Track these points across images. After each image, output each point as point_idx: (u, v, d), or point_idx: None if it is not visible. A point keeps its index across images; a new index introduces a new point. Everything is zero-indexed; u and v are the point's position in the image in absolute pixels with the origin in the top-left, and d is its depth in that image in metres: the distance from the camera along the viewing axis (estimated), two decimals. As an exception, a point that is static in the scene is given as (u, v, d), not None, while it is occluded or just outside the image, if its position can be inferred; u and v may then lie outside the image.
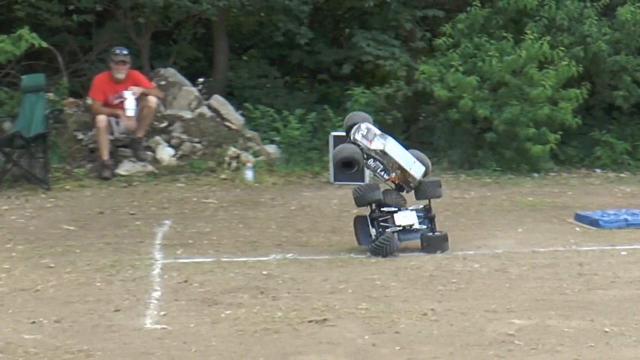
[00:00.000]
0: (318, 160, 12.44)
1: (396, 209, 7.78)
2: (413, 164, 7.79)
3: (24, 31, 11.89)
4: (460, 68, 12.74)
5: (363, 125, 7.80)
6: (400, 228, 7.76)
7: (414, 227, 7.83)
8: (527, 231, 8.69)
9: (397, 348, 5.15)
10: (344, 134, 11.94)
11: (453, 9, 14.51)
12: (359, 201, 7.78)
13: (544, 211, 9.78)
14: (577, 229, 8.85)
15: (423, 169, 7.85)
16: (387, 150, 7.71)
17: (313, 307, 5.91)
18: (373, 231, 7.68)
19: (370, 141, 7.69)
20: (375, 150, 7.72)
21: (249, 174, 11.58)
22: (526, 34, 12.81)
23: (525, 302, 6.16)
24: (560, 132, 12.61)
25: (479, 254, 7.66)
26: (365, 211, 7.81)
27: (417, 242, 7.79)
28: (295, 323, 5.56)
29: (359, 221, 7.85)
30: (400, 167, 7.78)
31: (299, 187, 11.32)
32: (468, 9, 13.41)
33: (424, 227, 7.90)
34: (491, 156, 12.75)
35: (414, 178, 7.80)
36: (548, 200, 10.43)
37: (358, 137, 7.70)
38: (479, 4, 13.30)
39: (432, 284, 6.66)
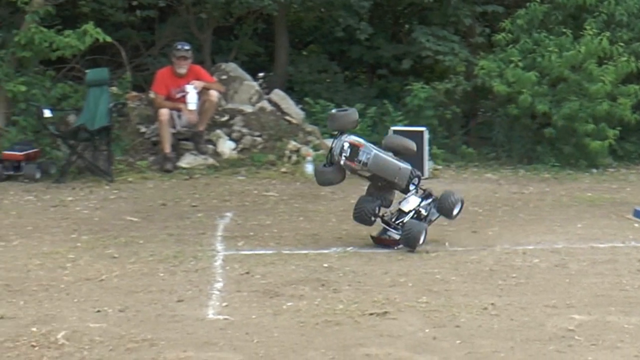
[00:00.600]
0: (378, 154, 12.46)
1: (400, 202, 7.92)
2: (398, 171, 7.76)
3: (89, 26, 12.06)
4: (520, 64, 12.70)
5: (346, 144, 7.66)
6: (414, 212, 7.83)
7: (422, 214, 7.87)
8: (586, 227, 8.65)
9: (458, 342, 5.17)
10: (403, 128, 12.13)
11: (512, 4, 14.48)
12: (365, 220, 7.83)
13: (603, 207, 9.73)
14: (636, 225, 8.79)
15: (408, 170, 7.83)
16: (371, 168, 7.68)
17: (374, 300, 5.95)
18: (395, 233, 7.78)
19: (353, 162, 7.63)
20: (358, 169, 7.72)
21: (309, 168, 11.64)
22: (585, 29, 12.73)
23: (585, 298, 6.15)
24: (619, 128, 12.52)
25: (539, 249, 7.64)
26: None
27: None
28: (356, 315, 5.60)
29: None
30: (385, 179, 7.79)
31: (358, 181, 11.10)
32: (527, 4, 13.36)
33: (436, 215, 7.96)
34: (550, 151, 12.71)
35: (400, 185, 7.82)
36: (606, 196, 10.38)
37: (342, 160, 7.62)
38: (538, 0, 13.25)
39: (492, 279, 6.67)
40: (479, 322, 5.56)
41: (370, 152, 7.65)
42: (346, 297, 6.01)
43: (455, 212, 7.97)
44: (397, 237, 7.71)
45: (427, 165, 11.70)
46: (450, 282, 6.51)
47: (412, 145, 8.01)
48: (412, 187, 7.90)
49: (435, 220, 7.96)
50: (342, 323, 5.45)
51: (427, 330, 5.37)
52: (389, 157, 7.76)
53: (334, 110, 8.35)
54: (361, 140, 7.71)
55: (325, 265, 6.94)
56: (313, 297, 6.03)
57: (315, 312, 5.66)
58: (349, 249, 7.55)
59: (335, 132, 8.00)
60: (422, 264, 7.05)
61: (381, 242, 7.80)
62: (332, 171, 7.76)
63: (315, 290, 6.21)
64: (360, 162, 7.60)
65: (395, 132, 11.57)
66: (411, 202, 7.91)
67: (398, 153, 7.87)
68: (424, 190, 8.01)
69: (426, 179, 11.38)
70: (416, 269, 6.89)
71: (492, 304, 5.95)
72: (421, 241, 7.60)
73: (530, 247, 7.72)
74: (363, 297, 6.02)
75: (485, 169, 12.40)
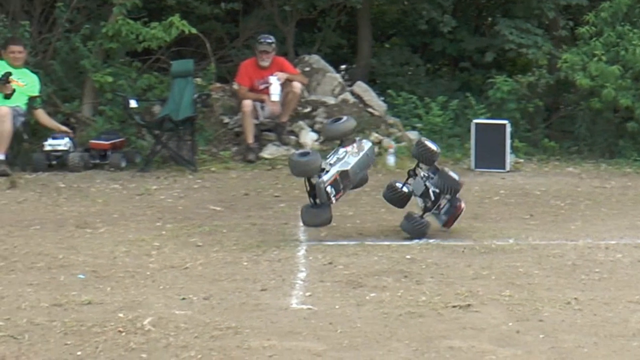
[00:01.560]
0: (459, 147, 12.45)
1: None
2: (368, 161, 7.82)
3: (175, 18, 12.21)
4: (603, 57, 12.56)
5: (328, 188, 7.46)
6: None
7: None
8: (669, 222, 8.56)
9: (541, 336, 5.15)
10: (485, 121, 12.09)
11: (596, -3, 14.34)
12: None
13: (686, 202, 9.62)
14: None
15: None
16: (354, 184, 7.81)
17: (457, 293, 5.95)
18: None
19: (341, 192, 7.57)
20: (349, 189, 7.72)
21: (390, 160, 11.66)
22: (670, 22, 12.59)
23: (669, 294, 6.09)
24: (703, 122, 12.37)
25: (621, 244, 7.56)
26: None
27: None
28: (439, 308, 5.61)
29: None
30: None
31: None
32: (611, -3, 13.23)
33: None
34: (632, 146, 12.57)
35: None
36: (689, 192, 10.25)
37: (333, 201, 7.50)
38: (622, -7, 13.10)
39: (575, 273, 6.61)
40: (562, 317, 5.53)
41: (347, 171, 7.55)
42: (429, 289, 6.02)
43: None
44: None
45: (509, 158, 11.64)
46: (533, 276, 6.47)
47: (351, 125, 7.84)
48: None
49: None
50: (425, 315, 5.46)
51: (510, 324, 5.35)
52: (356, 160, 7.65)
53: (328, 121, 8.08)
54: (336, 169, 7.50)
55: (408, 256, 6.95)
56: (396, 288, 6.04)
57: (399, 304, 5.67)
58: (431, 240, 7.55)
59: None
60: (505, 257, 7.02)
61: None
62: (325, 211, 7.59)
63: (398, 281, 6.23)
64: (345, 187, 7.57)
65: (477, 124, 11.58)
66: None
67: (343, 140, 7.78)
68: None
69: (507, 172, 11.36)
70: (499, 262, 6.86)
71: (575, 298, 5.91)
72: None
73: (613, 242, 7.63)
74: (446, 290, 6.02)
75: (567, 162, 12.30)
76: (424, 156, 7.93)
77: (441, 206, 7.87)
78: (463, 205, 7.90)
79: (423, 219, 7.67)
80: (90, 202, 9.34)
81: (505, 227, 8.19)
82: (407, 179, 8.05)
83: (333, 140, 7.93)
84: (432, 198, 7.82)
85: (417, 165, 8.06)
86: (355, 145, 7.78)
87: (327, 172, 7.44)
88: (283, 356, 4.74)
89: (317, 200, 7.51)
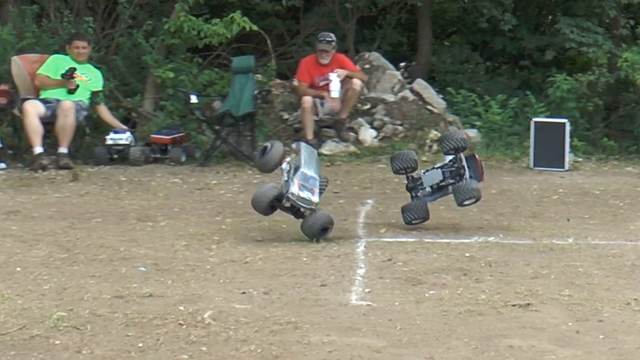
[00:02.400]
0: (518, 145, 12.41)
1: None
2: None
3: (236, 15, 12.30)
4: (664, 57, 12.47)
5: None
6: (430, 190, 7.96)
7: (442, 183, 7.98)
8: None
9: (601, 337, 5.11)
10: (545, 120, 12.03)
11: (658, -4, 14.21)
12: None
13: None
14: None
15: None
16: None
17: (516, 291, 5.93)
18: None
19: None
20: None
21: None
22: None
23: None
24: None
25: (682, 245, 7.50)
26: None
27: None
28: (499, 306, 5.59)
29: None
30: None
31: (498, 172, 11.31)
32: (674, -4, 13.10)
33: (452, 181, 7.95)
34: (692, 146, 12.48)
35: None
36: None
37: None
38: (685, -9, 12.98)
39: (635, 274, 6.55)
40: (622, 318, 5.49)
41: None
42: (488, 287, 6.01)
43: (467, 203, 7.94)
44: None
45: (568, 157, 11.58)
46: (592, 276, 6.43)
47: (279, 150, 7.55)
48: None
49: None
50: (484, 313, 5.45)
51: (570, 324, 5.32)
52: (302, 159, 7.55)
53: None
54: (295, 179, 7.40)
55: (467, 254, 6.94)
56: (455, 286, 6.04)
57: (458, 302, 5.67)
58: (490, 239, 7.53)
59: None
60: (564, 257, 6.98)
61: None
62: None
63: (457, 279, 6.23)
64: (313, 182, 7.50)
65: (537, 123, 11.54)
66: (434, 176, 8.06)
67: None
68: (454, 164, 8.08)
69: (566, 170, 11.30)
70: (558, 261, 6.83)
71: (635, 299, 5.86)
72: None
73: (673, 242, 7.57)
74: (505, 288, 6.00)
75: (626, 162, 12.21)
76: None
77: (465, 174, 7.97)
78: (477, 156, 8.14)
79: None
80: (151, 195, 9.44)
81: (564, 227, 8.15)
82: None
83: (272, 172, 7.72)
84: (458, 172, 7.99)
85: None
86: (291, 157, 7.77)
87: (290, 185, 7.34)
88: (343, 352, 4.75)
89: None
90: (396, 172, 8.14)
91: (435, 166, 8.23)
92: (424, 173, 8.13)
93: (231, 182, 10.30)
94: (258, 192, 7.48)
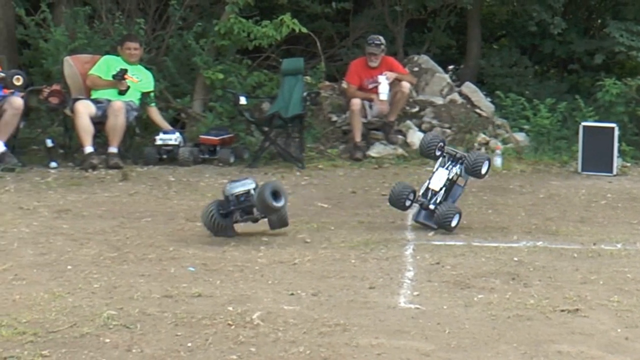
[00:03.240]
0: (566, 149, 12.33)
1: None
2: None
3: (286, 17, 12.35)
4: None
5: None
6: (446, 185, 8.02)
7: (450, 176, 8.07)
8: None
9: (651, 343, 5.10)
10: (594, 124, 11.95)
11: None
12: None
13: None
14: None
15: None
16: None
17: (565, 297, 5.90)
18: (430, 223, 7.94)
19: None
20: None
21: (497, 161, 11.60)
22: None
23: None
24: None
25: None
26: None
27: None
28: (548, 311, 5.57)
29: None
30: None
31: (546, 176, 11.27)
32: None
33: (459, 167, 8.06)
34: None
35: None
36: None
37: None
38: None
39: (684, 280, 6.52)
40: (673, 325, 5.46)
41: None
42: (537, 292, 5.99)
43: (484, 170, 7.97)
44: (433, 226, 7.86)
45: (616, 162, 11.50)
46: (642, 282, 6.40)
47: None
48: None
49: (466, 183, 8.13)
50: (533, 318, 5.43)
51: (619, 330, 5.30)
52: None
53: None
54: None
55: (515, 259, 6.92)
56: (504, 290, 6.03)
57: (507, 306, 5.66)
58: (538, 243, 7.51)
59: None
60: (613, 262, 6.94)
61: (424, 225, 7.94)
62: None
63: (505, 283, 6.21)
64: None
65: (585, 127, 11.46)
66: (440, 177, 8.02)
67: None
68: (451, 155, 8.07)
69: (614, 175, 11.22)
70: (607, 267, 6.79)
71: (685, 306, 5.83)
72: (454, 224, 7.76)
73: None
74: (554, 293, 5.98)
75: (675, 167, 12.11)
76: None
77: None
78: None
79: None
80: (200, 196, 9.48)
81: (613, 232, 8.10)
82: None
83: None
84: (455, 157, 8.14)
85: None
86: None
87: None
88: (391, 355, 4.76)
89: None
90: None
91: (434, 170, 8.21)
92: (429, 182, 8.11)
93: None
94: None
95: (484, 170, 7.99)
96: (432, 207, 7.90)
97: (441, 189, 8.01)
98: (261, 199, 7.29)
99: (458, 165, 8.07)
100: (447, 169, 8.07)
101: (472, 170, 7.97)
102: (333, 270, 6.50)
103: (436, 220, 7.81)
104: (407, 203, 8.00)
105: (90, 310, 5.43)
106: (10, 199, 9.11)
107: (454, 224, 7.81)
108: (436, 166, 8.15)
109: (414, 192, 8.00)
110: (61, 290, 5.86)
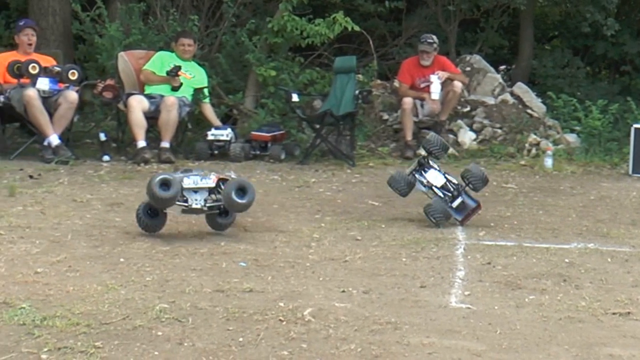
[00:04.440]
0: (617, 151, 12.28)
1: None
2: None
3: (339, 15, 12.40)
4: None
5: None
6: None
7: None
8: None
9: None
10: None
11: None
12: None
13: None
14: None
15: None
16: None
17: (616, 300, 5.86)
18: None
19: None
20: None
21: (548, 162, 11.57)
22: None
23: None
24: None
25: None
26: None
27: None
28: (599, 314, 5.54)
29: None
30: None
31: (597, 178, 11.20)
32: None
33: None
34: None
35: None
36: None
37: None
38: None
39: None
40: None
41: None
42: (588, 295, 5.95)
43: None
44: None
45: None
46: (694, 286, 6.34)
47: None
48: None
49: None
50: (584, 321, 5.40)
51: (671, 335, 5.27)
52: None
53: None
54: None
55: (567, 260, 6.88)
56: (555, 292, 6.00)
57: (558, 308, 5.63)
58: (590, 245, 7.46)
59: None
60: (665, 266, 6.89)
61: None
62: None
63: (557, 285, 6.18)
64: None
65: (636, 129, 11.36)
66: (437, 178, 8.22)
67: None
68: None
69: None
70: (659, 270, 6.74)
71: None
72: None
73: None
74: (605, 296, 5.94)
75: None
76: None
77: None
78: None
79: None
80: (251, 192, 9.53)
81: (665, 235, 8.04)
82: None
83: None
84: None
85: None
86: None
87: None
88: (442, 354, 4.76)
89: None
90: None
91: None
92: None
93: (330, 180, 10.36)
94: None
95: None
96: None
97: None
98: (226, 195, 7.19)
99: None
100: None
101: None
102: (384, 268, 6.50)
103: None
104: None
105: (143, 303, 5.47)
106: (64, 191, 9.20)
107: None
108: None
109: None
110: (114, 282, 5.90)
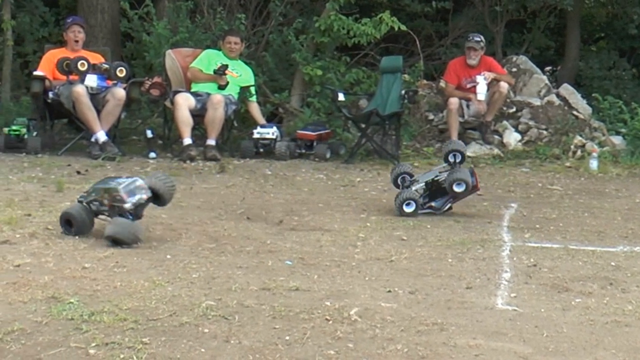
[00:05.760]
0: (662, 154, 12.20)
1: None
2: None
3: (385, 15, 12.42)
4: None
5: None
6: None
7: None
8: None
9: None
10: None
11: None
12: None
13: None
14: None
15: None
16: None
17: (664, 304, 5.85)
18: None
19: None
20: None
21: (593, 164, 11.51)
22: None
23: None
24: None
25: None
26: None
27: None
28: (646, 318, 5.53)
29: None
30: None
31: (643, 180, 11.15)
32: None
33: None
34: None
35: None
36: None
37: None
38: None
39: None
40: None
41: None
42: (635, 298, 5.91)
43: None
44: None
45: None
46: None
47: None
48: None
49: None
50: (631, 325, 5.36)
51: None
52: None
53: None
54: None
55: (613, 263, 6.83)
56: (601, 295, 5.96)
57: (604, 311, 5.60)
58: (636, 248, 7.40)
59: None
60: None
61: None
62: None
63: (603, 288, 6.14)
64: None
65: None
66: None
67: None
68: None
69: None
70: None
71: None
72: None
73: None
74: (652, 300, 5.92)
75: None
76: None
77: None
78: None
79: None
80: (296, 190, 9.57)
81: None
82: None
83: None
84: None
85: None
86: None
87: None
88: (489, 356, 4.74)
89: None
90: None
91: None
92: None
93: (375, 180, 10.37)
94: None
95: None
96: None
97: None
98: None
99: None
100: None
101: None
102: (430, 268, 6.49)
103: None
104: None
105: (189, 300, 5.49)
106: (111, 187, 9.27)
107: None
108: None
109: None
110: (161, 279, 5.93)
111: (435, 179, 8.46)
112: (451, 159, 8.43)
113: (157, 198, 7.19)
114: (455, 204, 8.61)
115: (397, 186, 8.66)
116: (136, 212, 7.02)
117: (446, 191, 8.36)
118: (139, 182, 7.11)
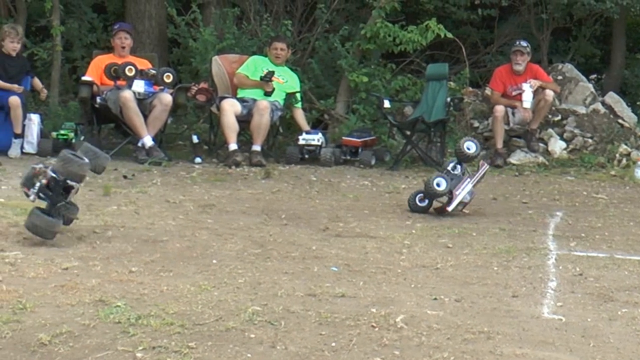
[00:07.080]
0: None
1: None
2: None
3: (431, 22, 12.43)
4: None
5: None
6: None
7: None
8: None
9: None
10: None
11: None
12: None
13: None
14: None
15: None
16: None
17: None
18: None
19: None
20: None
21: (638, 173, 11.44)
22: None
23: None
24: None
25: None
26: None
27: None
28: (694, 330, 5.48)
29: None
30: None
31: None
32: None
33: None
34: None
35: None
36: None
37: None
38: None
39: None
40: None
41: None
42: (682, 310, 5.90)
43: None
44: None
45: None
46: None
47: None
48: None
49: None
50: (679, 336, 5.36)
51: None
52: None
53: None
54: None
55: (659, 274, 6.81)
56: (648, 305, 5.96)
57: (651, 322, 5.59)
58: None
59: None
60: None
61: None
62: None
63: (649, 298, 6.14)
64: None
65: None
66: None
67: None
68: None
69: None
70: None
71: None
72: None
73: None
74: (699, 312, 5.87)
75: None
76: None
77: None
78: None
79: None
80: (341, 196, 9.58)
81: None
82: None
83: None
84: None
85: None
86: None
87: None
88: (536, 366, 4.76)
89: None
90: None
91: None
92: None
93: (420, 187, 10.32)
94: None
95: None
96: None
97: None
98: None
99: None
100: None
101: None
102: (475, 276, 6.48)
103: None
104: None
105: (236, 305, 5.51)
106: (157, 191, 9.35)
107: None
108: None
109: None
110: (207, 283, 5.96)
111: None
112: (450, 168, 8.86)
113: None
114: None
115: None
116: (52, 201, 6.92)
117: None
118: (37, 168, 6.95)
